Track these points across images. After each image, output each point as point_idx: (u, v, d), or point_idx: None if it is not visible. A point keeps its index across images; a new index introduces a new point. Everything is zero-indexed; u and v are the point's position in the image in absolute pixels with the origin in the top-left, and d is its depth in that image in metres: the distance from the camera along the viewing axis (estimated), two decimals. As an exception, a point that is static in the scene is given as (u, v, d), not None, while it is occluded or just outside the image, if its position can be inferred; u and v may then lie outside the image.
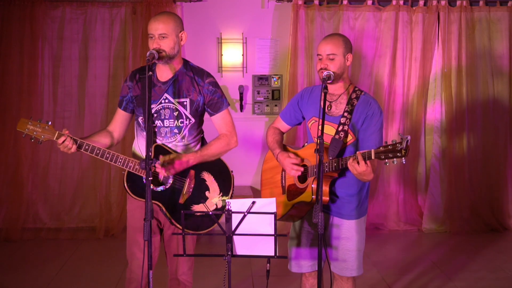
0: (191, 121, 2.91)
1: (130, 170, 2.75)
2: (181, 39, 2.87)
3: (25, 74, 5.44)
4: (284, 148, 3.08)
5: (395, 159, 2.45)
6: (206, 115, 3.02)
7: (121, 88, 2.98)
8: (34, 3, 5.38)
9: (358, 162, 2.57)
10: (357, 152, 2.59)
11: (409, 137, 2.42)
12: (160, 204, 2.82)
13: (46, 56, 5.53)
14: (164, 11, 2.99)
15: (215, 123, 3.01)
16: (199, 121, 2.98)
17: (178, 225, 2.84)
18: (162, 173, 2.79)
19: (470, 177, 5.75)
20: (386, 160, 2.48)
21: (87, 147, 2.69)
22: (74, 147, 2.68)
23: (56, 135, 2.66)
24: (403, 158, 2.43)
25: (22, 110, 5.38)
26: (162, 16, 2.83)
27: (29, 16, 5.39)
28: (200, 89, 2.91)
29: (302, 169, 2.89)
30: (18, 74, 5.44)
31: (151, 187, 2.77)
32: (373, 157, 2.53)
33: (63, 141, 2.67)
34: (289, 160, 2.91)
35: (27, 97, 5.44)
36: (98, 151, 2.71)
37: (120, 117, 2.94)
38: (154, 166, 2.74)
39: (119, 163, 2.73)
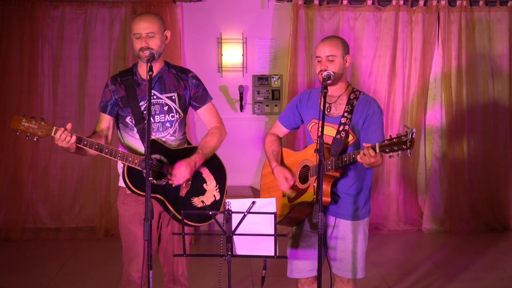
0: (180, 116, 2.95)
1: (131, 165, 2.75)
2: (166, 38, 2.90)
3: (25, 74, 5.44)
4: (282, 152, 3.09)
5: (400, 151, 2.45)
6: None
7: (102, 93, 2.93)
8: (34, 3, 5.38)
9: (366, 154, 2.58)
10: (365, 147, 2.60)
11: (414, 130, 2.42)
12: (163, 198, 2.82)
13: (46, 56, 5.53)
14: (146, 11, 3.00)
15: (202, 116, 3.07)
16: (185, 118, 3.02)
17: (185, 220, 2.84)
18: (176, 183, 2.81)
19: (470, 177, 5.75)
20: (391, 153, 2.49)
21: (85, 142, 2.68)
22: (74, 138, 2.64)
23: (53, 130, 2.63)
24: (408, 150, 2.43)
25: (22, 110, 5.37)
26: (147, 15, 2.86)
27: (29, 16, 5.39)
28: (185, 83, 2.96)
29: (291, 183, 2.92)
30: (18, 74, 5.44)
31: (154, 182, 2.79)
32: (377, 150, 2.54)
33: (60, 135, 2.62)
34: (284, 182, 2.93)
35: (27, 97, 5.44)
36: (97, 146, 2.70)
37: (107, 122, 2.92)
38: (161, 162, 2.76)
39: (118, 158, 2.73)
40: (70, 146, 2.66)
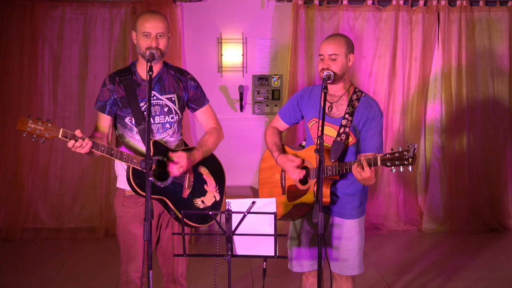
0: (179, 117, 2.95)
1: (136, 167, 2.75)
2: (169, 38, 2.90)
3: (25, 74, 5.44)
4: (283, 149, 3.08)
5: (401, 166, 2.47)
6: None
7: (100, 92, 2.90)
8: (34, 3, 5.38)
9: (363, 168, 2.58)
10: (362, 158, 2.60)
11: (415, 145, 2.44)
12: (166, 199, 2.82)
13: (46, 56, 5.53)
14: (153, 10, 2.98)
15: (200, 118, 3.07)
16: (182, 119, 3.01)
17: (186, 221, 2.84)
18: (174, 173, 2.80)
19: (470, 177, 5.75)
20: (393, 167, 2.50)
21: (91, 143, 2.68)
22: (90, 144, 2.64)
23: (61, 132, 2.61)
24: (410, 166, 2.45)
25: (22, 110, 5.38)
26: (157, 14, 2.85)
27: (29, 16, 5.39)
28: (184, 85, 2.96)
29: (304, 172, 2.89)
30: (18, 74, 5.44)
31: (157, 183, 2.79)
32: (379, 163, 2.54)
33: (75, 143, 2.61)
34: (290, 164, 2.92)
35: (27, 97, 5.44)
36: (103, 148, 2.70)
37: (106, 122, 2.90)
38: (163, 160, 2.77)
39: (123, 160, 2.73)
40: (85, 152, 2.66)
